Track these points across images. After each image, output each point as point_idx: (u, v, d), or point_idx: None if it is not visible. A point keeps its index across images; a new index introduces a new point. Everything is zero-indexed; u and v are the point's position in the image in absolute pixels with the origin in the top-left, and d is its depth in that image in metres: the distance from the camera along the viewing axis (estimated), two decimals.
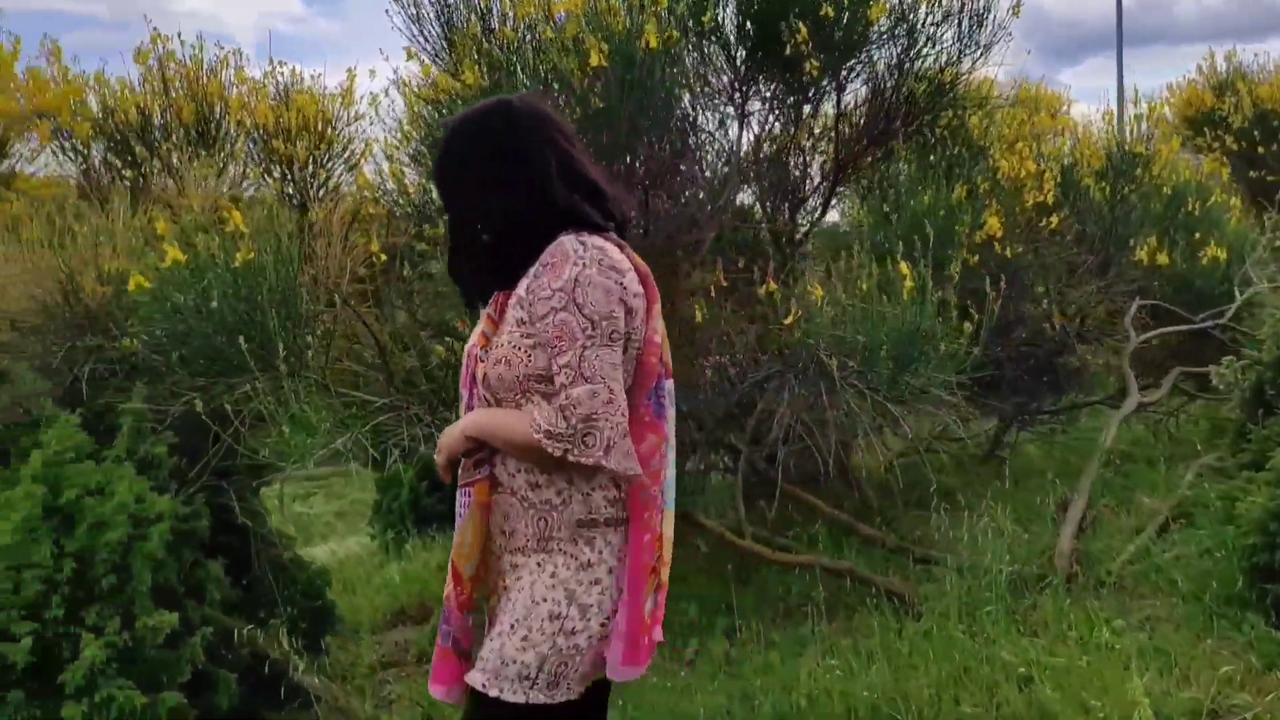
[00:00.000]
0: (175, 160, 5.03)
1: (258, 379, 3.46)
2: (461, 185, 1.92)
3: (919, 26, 5.11)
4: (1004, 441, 6.77)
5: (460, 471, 1.91)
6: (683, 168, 4.66)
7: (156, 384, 3.75)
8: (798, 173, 5.52)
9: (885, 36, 5.11)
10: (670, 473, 1.95)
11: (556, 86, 4.04)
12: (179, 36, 5.73)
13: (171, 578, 3.41)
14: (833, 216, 6.10)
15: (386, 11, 4.85)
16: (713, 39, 4.98)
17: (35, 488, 3.21)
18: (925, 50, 5.19)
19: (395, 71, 5.22)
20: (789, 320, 3.93)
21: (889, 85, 5.26)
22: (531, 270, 1.83)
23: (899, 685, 3.43)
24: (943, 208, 4.65)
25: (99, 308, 3.98)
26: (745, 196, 5.49)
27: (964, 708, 3.28)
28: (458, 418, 1.96)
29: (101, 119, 5.59)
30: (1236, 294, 6.32)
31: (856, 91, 5.36)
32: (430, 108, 4.63)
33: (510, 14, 4.48)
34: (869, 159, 5.45)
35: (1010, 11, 5.22)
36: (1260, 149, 9.92)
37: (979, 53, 5.26)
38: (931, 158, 5.17)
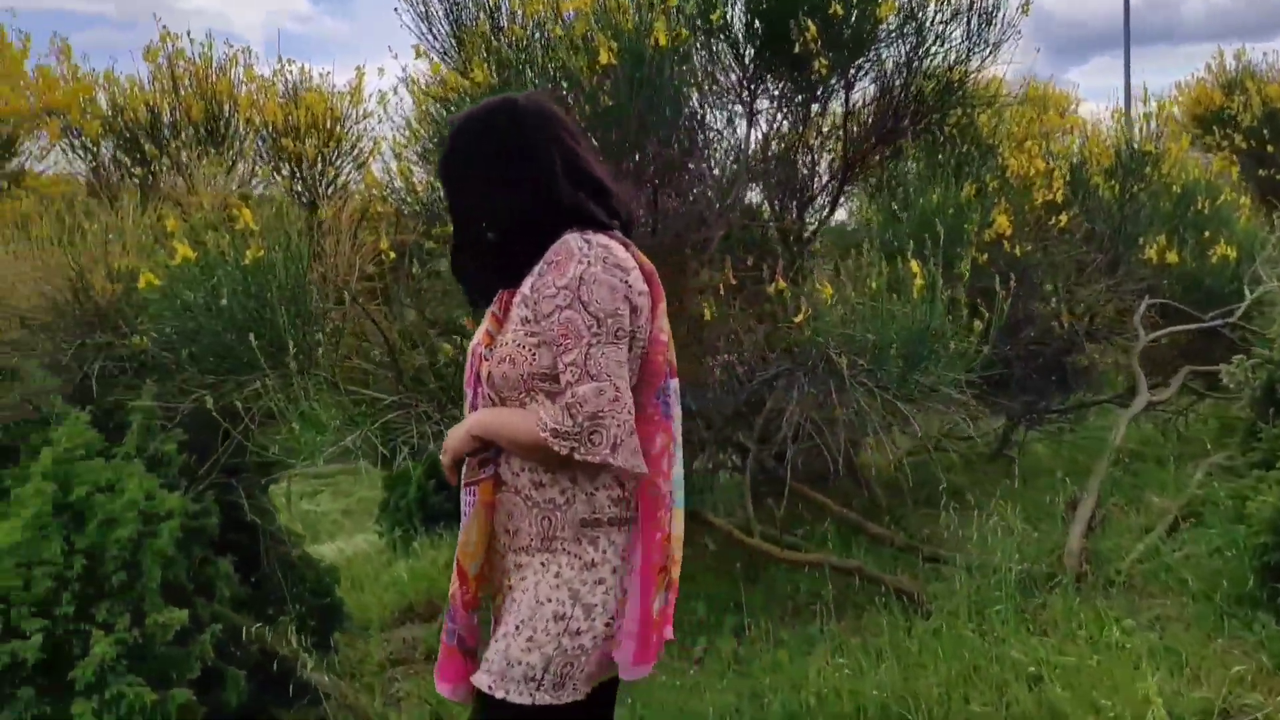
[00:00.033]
0: (184, 158, 5.04)
1: (268, 376, 3.47)
2: (466, 183, 1.92)
3: (928, 25, 5.09)
4: (1011, 440, 6.76)
5: (465, 470, 1.91)
6: (691, 166, 4.65)
7: (166, 381, 3.76)
8: (806, 171, 5.51)
9: (894, 34, 5.09)
10: (678, 471, 1.95)
11: (565, 85, 4.03)
12: (188, 35, 5.75)
13: (181, 575, 3.41)
14: (839, 216, 6.09)
15: (396, 10, 4.86)
16: (721, 37, 4.97)
17: (45, 485, 3.22)
18: (934, 48, 5.18)
19: (404, 70, 5.23)
20: (799, 318, 3.92)
21: (898, 83, 5.24)
22: (536, 269, 1.82)
23: (908, 684, 3.43)
24: (952, 206, 4.64)
25: (109, 305, 3.98)
26: (753, 195, 5.49)
27: (973, 706, 3.28)
28: (464, 416, 1.96)
29: (111, 117, 5.61)
30: (1246, 292, 6.30)
31: (865, 90, 5.35)
32: (439, 105, 4.63)
33: (519, 12, 4.47)
34: (877, 157, 5.44)
35: (1019, 10, 5.21)
36: (1269, 147, 9.90)
37: (988, 51, 5.25)
38: (940, 156, 5.16)
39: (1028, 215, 5.43)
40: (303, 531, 5.52)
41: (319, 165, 5.53)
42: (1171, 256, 6.01)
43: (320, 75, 6.16)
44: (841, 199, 5.77)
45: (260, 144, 5.65)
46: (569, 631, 1.81)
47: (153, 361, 3.82)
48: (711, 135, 4.93)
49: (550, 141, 1.87)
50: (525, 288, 1.83)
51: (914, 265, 3.86)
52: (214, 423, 3.57)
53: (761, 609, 4.50)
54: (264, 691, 3.76)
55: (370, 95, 5.89)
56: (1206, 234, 6.34)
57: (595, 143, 4.04)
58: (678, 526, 1.95)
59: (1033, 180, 5.48)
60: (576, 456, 1.75)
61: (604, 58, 3.90)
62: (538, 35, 4.32)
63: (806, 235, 5.57)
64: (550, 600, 1.82)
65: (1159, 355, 6.52)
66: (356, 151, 5.84)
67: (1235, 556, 3.92)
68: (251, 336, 3.40)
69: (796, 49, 4.70)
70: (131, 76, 5.70)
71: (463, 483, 1.91)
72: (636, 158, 4.22)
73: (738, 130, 5.13)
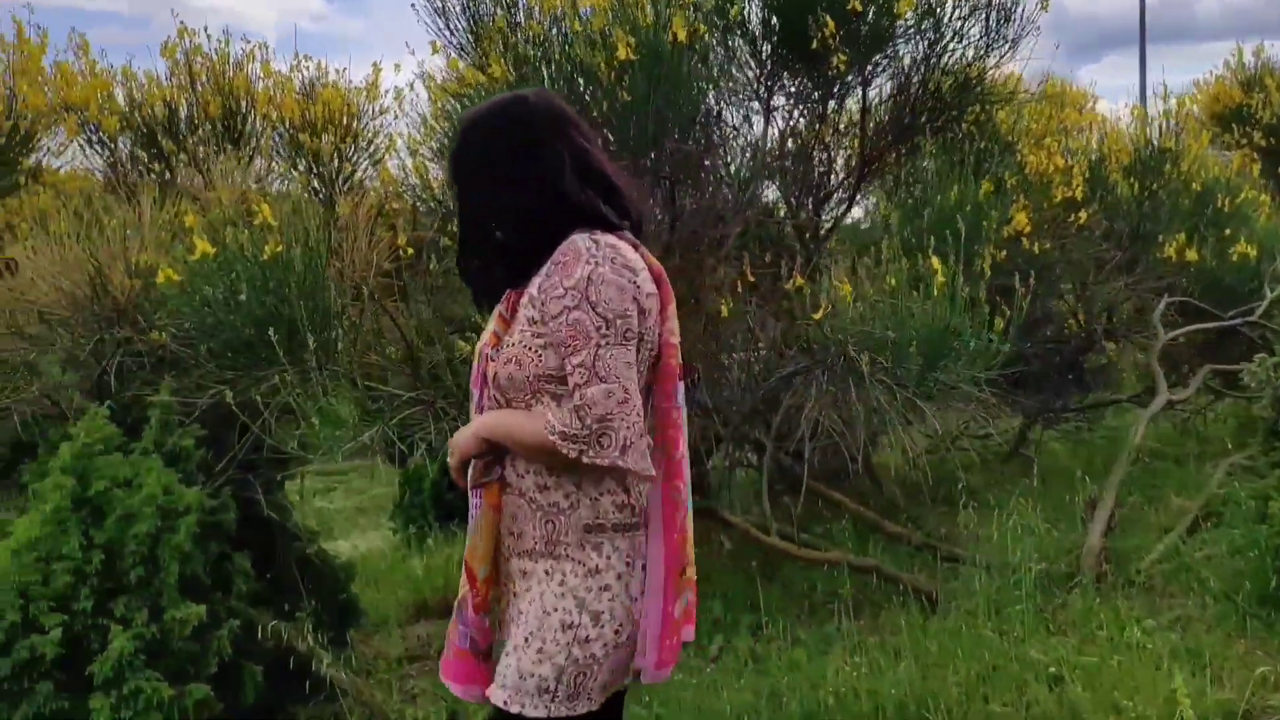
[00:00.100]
0: (202, 154, 5.04)
1: (286, 372, 3.47)
2: (475, 181, 1.89)
3: (946, 21, 5.07)
4: (1028, 439, 6.73)
5: (471, 473, 1.89)
6: (708, 162, 4.64)
7: (184, 376, 3.76)
8: (822, 168, 5.49)
9: (912, 31, 5.07)
10: (687, 471, 1.96)
11: (583, 80, 4.02)
12: (205, 30, 5.76)
13: (199, 570, 3.41)
14: (855, 213, 6.07)
15: (412, 5, 4.86)
16: (738, 33, 4.96)
17: (64, 479, 3.23)
18: (952, 45, 5.15)
19: (420, 65, 5.23)
20: (819, 315, 3.90)
21: (915, 80, 5.22)
22: (543, 269, 1.79)
23: (927, 683, 3.41)
24: (970, 203, 4.62)
25: (128, 301, 3.99)
26: (770, 192, 5.47)
27: (993, 706, 3.26)
28: (471, 417, 1.94)
29: (129, 113, 5.62)
30: (1266, 291, 6.26)
31: (882, 86, 5.33)
32: (455, 101, 4.62)
33: (536, 7, 4.46)
34: (894, 155, 5.41)
35: (1039, 5, 5.18)
36: None
37: (1006, 47, 5.22)
38: (959, 153, 5.13)
39: (1046, 212, 5.40)
40: (317, 528, 5.52)
41: (335, 161, 5.53)
42: (1191, 254, 5.97)
43: (337, 72, 6.17)
44: (858, 196, 5.75)
45: (277, 140, 5.66)
46: (578, 640, 1.78)
47: (171, 357, 3.82)
48: (728, 132, 4.92)
49: (560, 140, 1.84)
50: (532, 288, 1.80)
51: (934, 262, 3.84)
52: (230, 418, 3.57)
53: (778, 607, 4.48)
54: (280, 687, 3.75)
55: (386, 91, 5.89)
56: (1226, 232, 6.29)
57: (612, 138, 4.03)
58: (689, 526, 1.94)
59: (1051, 177, 5.46)
60: (585, 459, 1.71)
61: (622, 53, 3.89)
62: (555, 30, 4.31)
63: (823, 233, 5.55)
64: (557, 610, 1.79)
65: (1178, 354, 6.48)
66: (373, 148, 5.85)
67: (1257, 557, 3.88)
68: (270, 331, 3.40)
69: (814, 45, 4.68)
70: (149, 72, 5.72)
71: (469, 485, 1.90)
72: (653, 154, 4.21)
73: (754, 127, 5.13)
